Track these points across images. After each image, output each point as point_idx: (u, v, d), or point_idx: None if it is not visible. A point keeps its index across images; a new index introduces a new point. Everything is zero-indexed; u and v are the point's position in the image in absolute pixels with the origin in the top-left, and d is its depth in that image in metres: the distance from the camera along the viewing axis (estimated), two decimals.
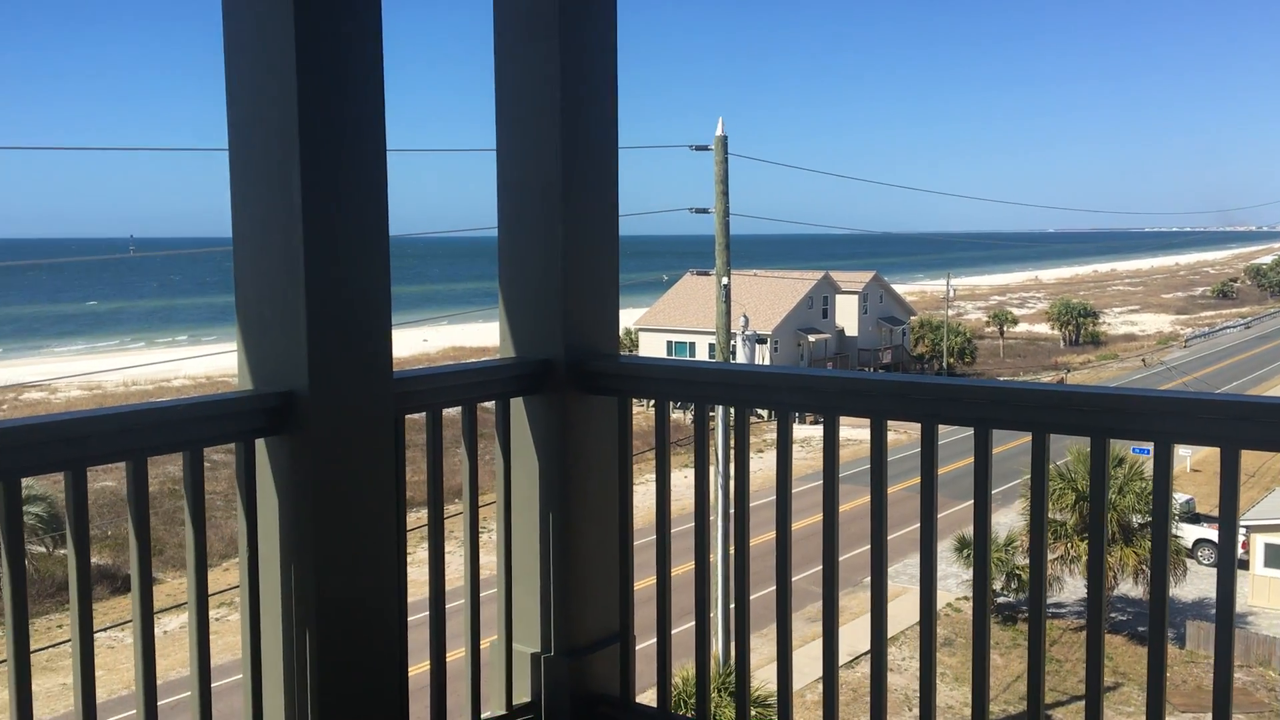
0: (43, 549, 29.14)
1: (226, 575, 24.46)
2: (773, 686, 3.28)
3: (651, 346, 58.04)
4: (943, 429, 2.92)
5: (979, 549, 2.89)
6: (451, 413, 3.40)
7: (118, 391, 56.56)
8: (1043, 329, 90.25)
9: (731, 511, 3.35)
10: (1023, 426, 2.78)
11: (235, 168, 2.84)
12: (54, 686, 22.43)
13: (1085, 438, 2.73)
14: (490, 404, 3.48)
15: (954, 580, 27.95)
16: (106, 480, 30.75)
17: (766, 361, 53.28)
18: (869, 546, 3.01)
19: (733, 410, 3.31)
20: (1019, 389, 2.92)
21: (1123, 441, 2.78)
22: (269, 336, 2.84)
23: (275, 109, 2.74)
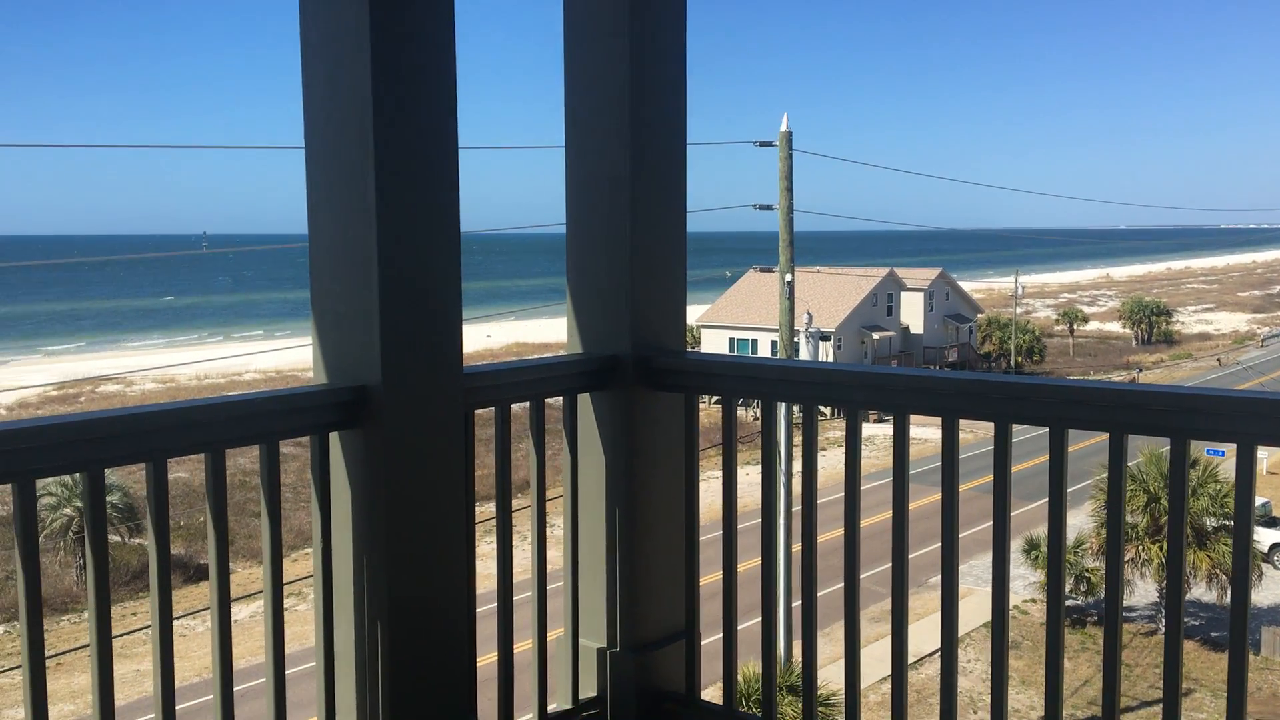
0: (117, 538, 29.87)
1: (293, 566, 24.92)
2: (834, 686, 3.26)
3: (714, 343, 57.89)
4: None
5: (1054, 551, 2.85)
6: (518, 408, 3.42)
7: (190, 384, 57.79)
8: (1114, 327, 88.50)
9: (790, 510, 3.33)
10: (1100, 427, 2.73)
11: (312, 166, 2.89)
12: (127, 673, 22.99)
13: (1161, 438, 2.68)
14: (557, 399, 3.50)
15: (1021, 582, 27.56)
16: (179, 471, 31.42)
17: (830, 359, 52.90)
18: (933, 547, 2.98)
19: (796, 407, 3.29)
20: (1096, 388, 2.86)
21: (1197, 442, 2.72)
22: (343, 332, 2.88)
23: (351, 109, 2.78)
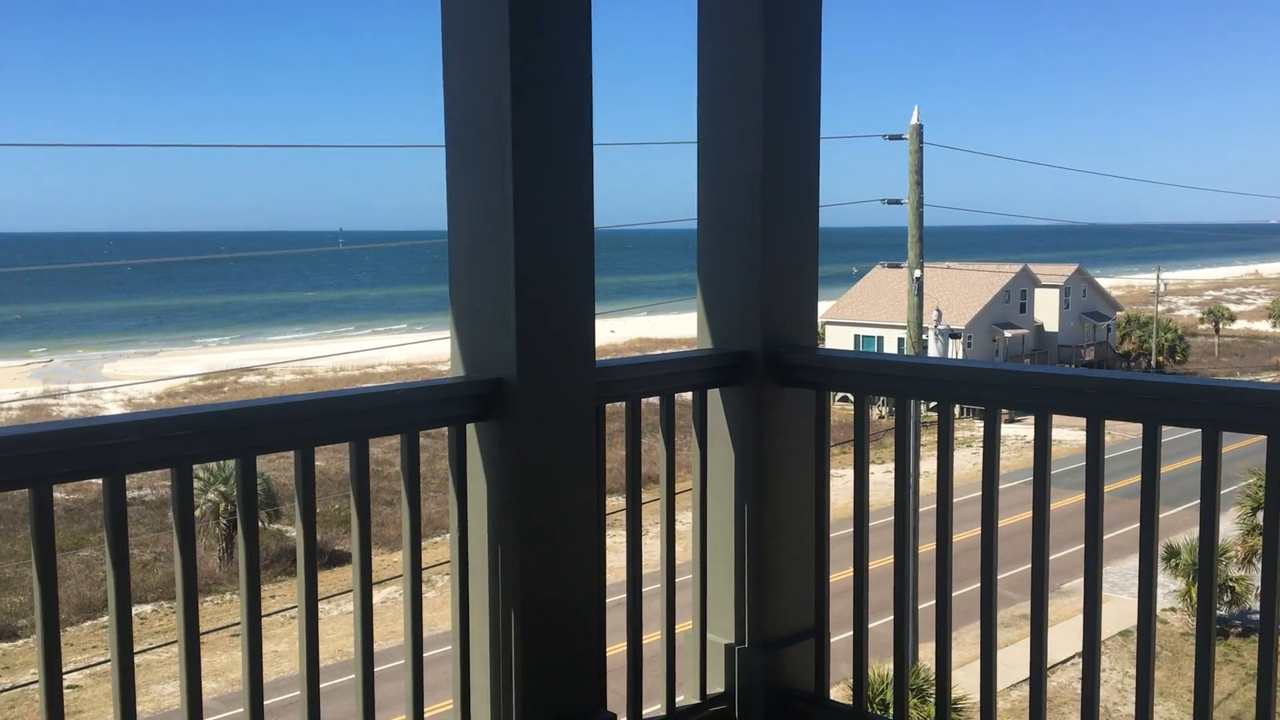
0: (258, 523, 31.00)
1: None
2: (960, 690, 3.19)
3: (838, 340, 57.20)
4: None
5: (1205, 559, 2.73)
6: (649, 402, 3.44)
7: (327, 376, 59.75)
8: (1263, 326, 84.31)
9: (918, 509, 3.27)
10: (1258, 430, 2.61)
11: (452, 165, 2.96)
12: (265, 653, 23.89)
13: None
14: (687, 395, 3.51)
15: (1159, 590, 26.50)
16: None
17: (959, 357, 51.73)
18: (1067, 551, 2.89)
19: (924, 406, 3.23)
20: (1254, 389, 2.74)
21: None
22: (481, 326, 2.94)
23: (490, 109, 2.84)
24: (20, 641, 24.79)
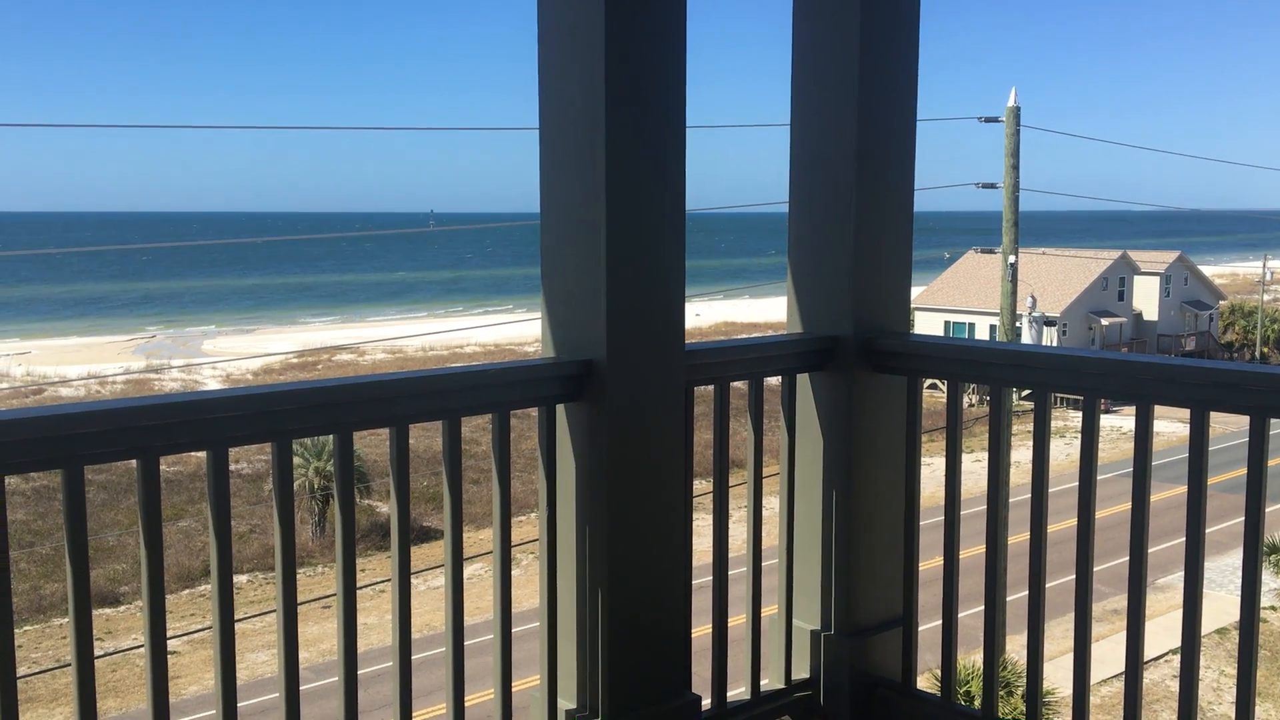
0: None
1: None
2: (1050, 684, 3.12)
3: (927, 327, 56.25)
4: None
5: None
6: (738, 386, 3.43)
7: (417, 356, 60.70)
8: None
9: (1007, 500, 3.21)
10: None
11: (545, 148, 2.98)
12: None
13: None
14: (775, 379, 3.49)
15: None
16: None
17: (1054, 345, 50.57)
18: (1162, 546, 2.82)
19: (1017, 395, 3.16)
20: None
21: None
22: (572, 308, 2.96)
23: (583, 93, 2.85)
24: (122, 608, 25.72)
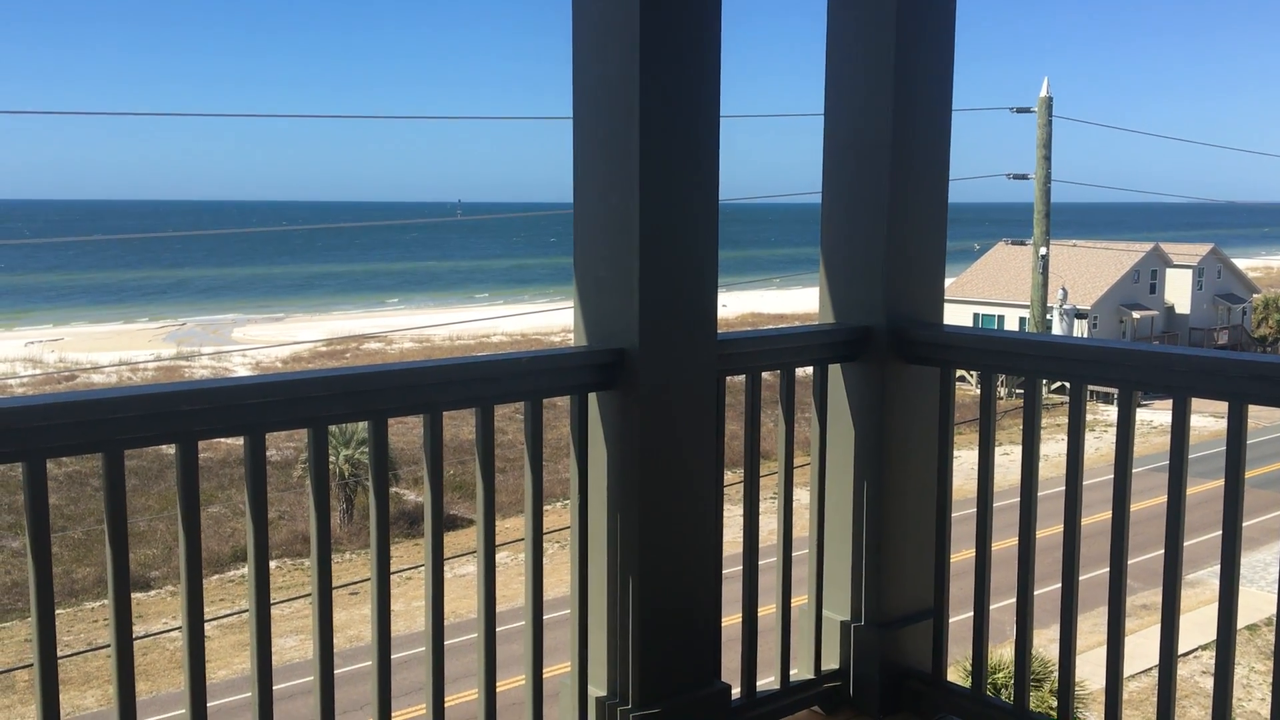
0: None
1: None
2: (1079, 677, 3.10)
3: (956, 319, 55.53)
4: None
5: None
6: (769, 376, 3.43)
7: (444, 345, 60.94)
8: None
9: (1036, 493, 3.20)
10: None
11: (579, 137, 2.98)
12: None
13: None
14: (807, 370, 3.49)
15: None
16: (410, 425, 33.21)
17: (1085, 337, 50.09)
18: (1194, 541, 2.79)
19: (1047, 387, 3.13)
20: None
21: None
22: (604, 297, 2.97)
23: (618, 81, 2.84)
24: (153, 592, 26.00)
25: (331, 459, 32.09)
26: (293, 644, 21.37)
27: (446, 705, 2.86)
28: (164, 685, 20.13)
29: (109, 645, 2.38)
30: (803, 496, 3.66)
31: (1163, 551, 2.90)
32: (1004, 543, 3.35)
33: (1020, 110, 21.66)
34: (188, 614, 2.44)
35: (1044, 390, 3.30)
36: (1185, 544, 2.89)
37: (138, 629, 22.25)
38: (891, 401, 3.45)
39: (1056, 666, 3.24)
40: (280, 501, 31.14)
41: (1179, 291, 59.99)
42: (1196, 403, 2.90)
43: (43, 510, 2.23)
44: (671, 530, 3.03)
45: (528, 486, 2.96)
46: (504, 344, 59.53)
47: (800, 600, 3.57)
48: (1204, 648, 20.94)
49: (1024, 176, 21.77)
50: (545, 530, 3.13)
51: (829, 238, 3.57)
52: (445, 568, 2.83)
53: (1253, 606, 20.10)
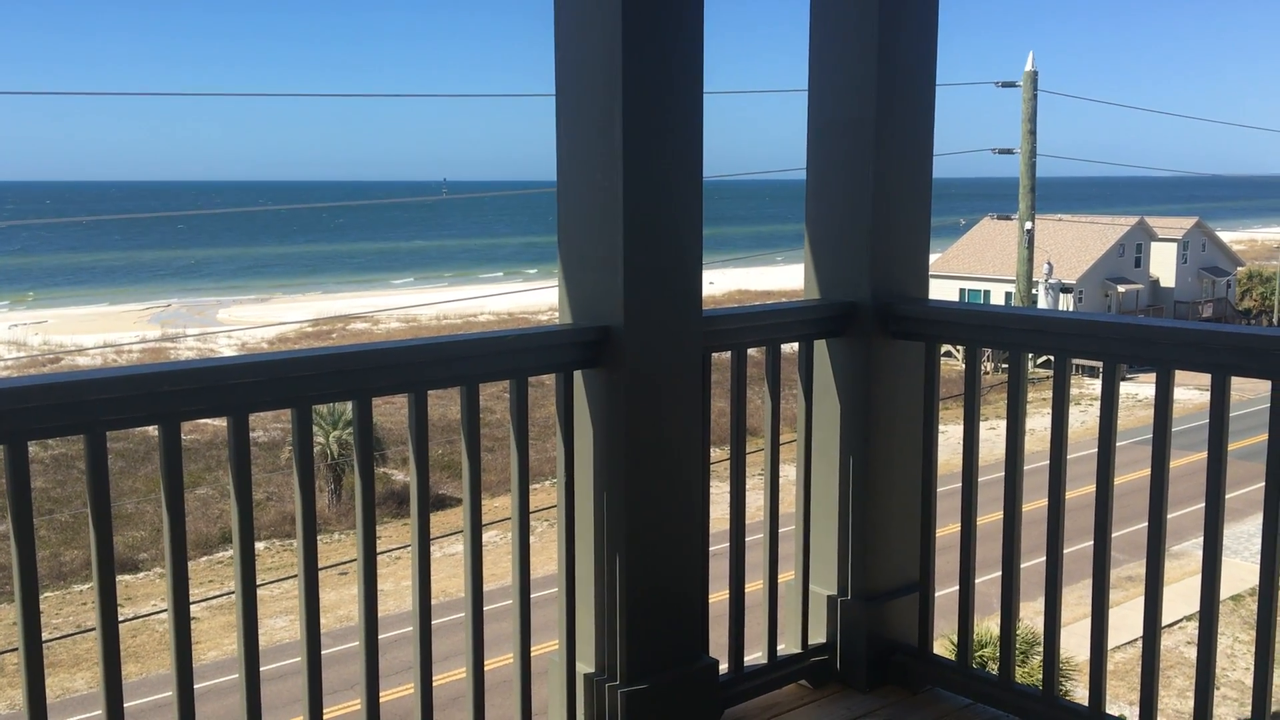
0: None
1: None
2: (1066, 651, 3.12)
3: (942, 294, 55.87)
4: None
5: None
6: (755, 352, 3.43)
7: (430, 325, 60.81)
8: None
9: (1021, 467, 3.21)
10: None
11: (562, 114, 2.96)
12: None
13: None
14: (792, 346, 3.49)
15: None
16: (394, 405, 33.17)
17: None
18: (1178, 514, 2.81)
19: (1033, 361, 3.14)
20: None
21: None
22: (589, 274, 2.96)
23: (601, 57, 2.83)
24: (141, 574, 25.97)
25: (321, 440, 32.05)
26: (283, 624, 21.39)
27: (435, 683, 2.87)
28: (154, 667, 20.14)
29: (95, 628, 2.37)
30: (789, 472, 3.67)
31: (1146, 524, 2.91)
32: (989, 516, 3.36)
33: (1006, 85, 21.64)
34: (173, 596, 2.44)
35: (1029, 365, 3.30)
36: (1169, 516, 2.91)
37: (127, 611, 22.26)
38: (877, 376, 3.45)
39: (1042, 639, 3.26)
40: (269, 482, 31.09)
41: (1164, 265, 60.21)
42: (1181, 375, 2.92)
43: (25, 493, 2.22)
44: (658, 507, 3.03)
45: (514, 465, 2.96)
46: (491, 323, 59.41)
47: (787, 576, 3.58)
48: (1188, 618, 21.12)
49: (1009, 151, 21.78)
50: (533, 509, 3.13)
51: (814, 213, 3.56)
52: (434, 547, 2.83)
53: (1237, 577, 20.25)
